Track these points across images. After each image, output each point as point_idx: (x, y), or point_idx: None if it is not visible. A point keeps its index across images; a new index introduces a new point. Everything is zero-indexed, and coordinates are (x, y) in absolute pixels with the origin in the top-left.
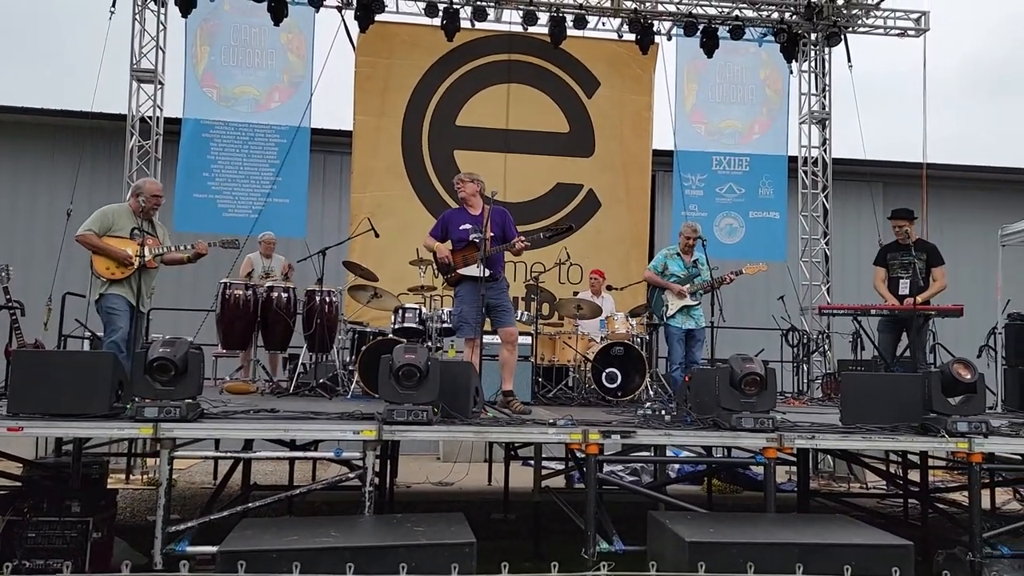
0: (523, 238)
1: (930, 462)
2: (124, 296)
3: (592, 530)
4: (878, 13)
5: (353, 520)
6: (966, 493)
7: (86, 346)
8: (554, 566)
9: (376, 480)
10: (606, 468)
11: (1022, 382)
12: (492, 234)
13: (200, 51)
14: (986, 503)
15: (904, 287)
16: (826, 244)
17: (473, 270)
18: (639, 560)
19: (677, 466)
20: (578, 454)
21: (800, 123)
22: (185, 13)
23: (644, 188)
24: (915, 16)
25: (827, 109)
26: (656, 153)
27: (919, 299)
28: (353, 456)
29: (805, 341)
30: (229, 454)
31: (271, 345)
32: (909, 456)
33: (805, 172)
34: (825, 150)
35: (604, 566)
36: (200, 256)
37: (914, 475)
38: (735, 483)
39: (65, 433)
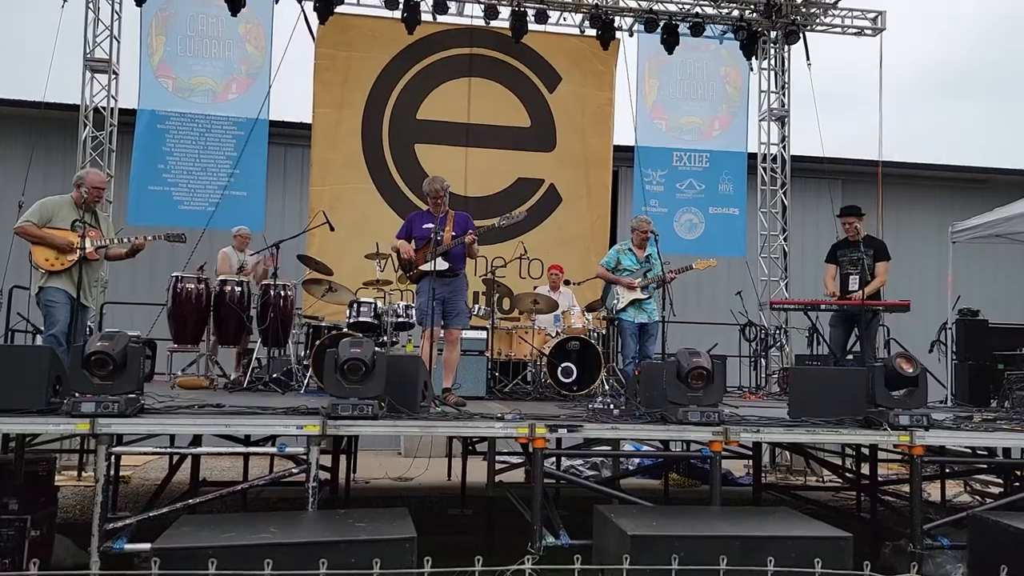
0: (472, 232)
1: (886, 456)
2: (64, 289)
3: (538, 524)
4: (836, 12)
5: (295, 516)
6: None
7: (39, 341)
8: (477, 560)
9: (321, 475)
10: (566, 463)
11: (972, 376)
12: (454, 234)
13: (155, 41)
14: (936, 496)
15: (854, 283)
16: (784, 240)
17: (431, 265)
18: (585, 553)
19: (637, 460)
20: (529, 448)
21: (760, 120)
22: (140, 2)
23: (605, 183)
24: (872, 16)
25: (786, 107)
26: (618, 149)
27: (858, 294)
28: (298, 451)
29: (763, 336)
30: (169, 450)
31: (224, 340)
32: (862, 450)
33: (764, 169)
34: (784, 147)
35: (527, 560)
36: (138, 250)
37: (869, 469)
38: (693, 477)
39: None
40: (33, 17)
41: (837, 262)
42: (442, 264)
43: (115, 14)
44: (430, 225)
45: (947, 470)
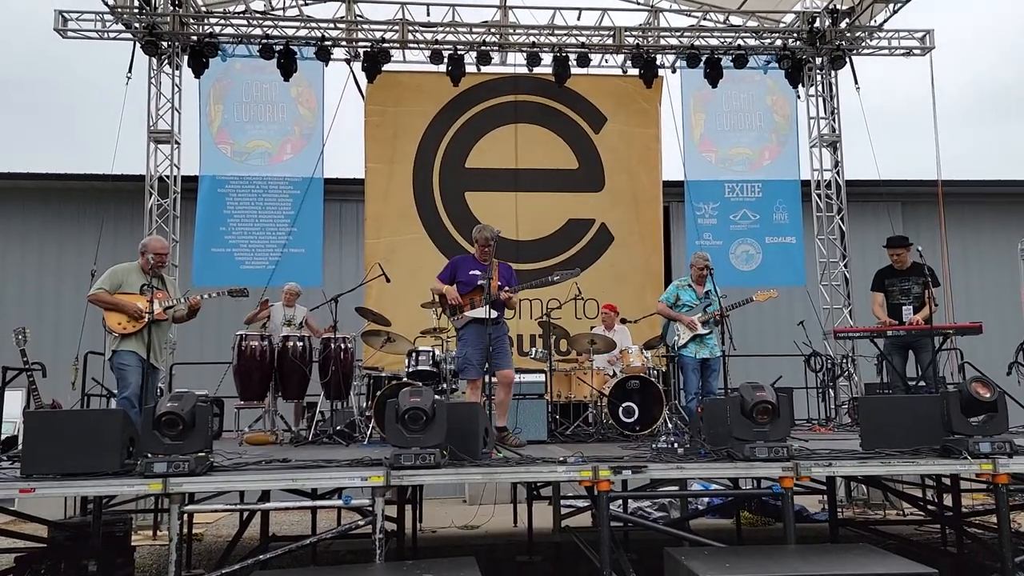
0: (508, 289)
1: (970, 485)
2: (136, 351)
3: (608, 569)
4: (882, 34)
5: (364, 568)
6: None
7: (112, 404)
8: None
9: (386, 526)
10: (632, 504)
11: None
12: (500, 283)
13: (214, 110)
14: None
15: (908, 313)
16: (845, 267)
17: (480, 312)
18: None
19: (707, 499)
20: (594, 491)
21: (811, 147)
22: (198, 74)
23: (656, 219)
24: (919, 35)
25: (837, 132)
26: (668, 184)
27: (918, 319)
28: (363, 503)
29: (830, 366)
30: (238, 506)
31: (288, 394)
32: (943, 480)
33: (819, 195)
34: (838, 172)
35: None
36: (195, 309)
37: (952, 500)
38: (766, 515)
39: (75, 492)
40: (99, 96)
41: (885, 291)
42: (492, 312)
43: (175, 87)
44: (476, 272)
45: None
